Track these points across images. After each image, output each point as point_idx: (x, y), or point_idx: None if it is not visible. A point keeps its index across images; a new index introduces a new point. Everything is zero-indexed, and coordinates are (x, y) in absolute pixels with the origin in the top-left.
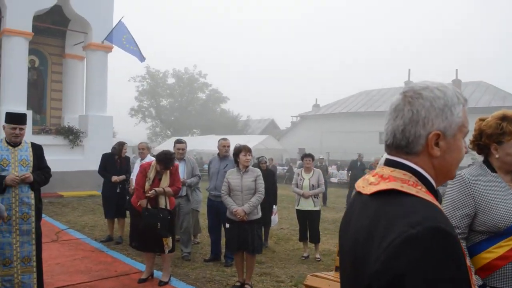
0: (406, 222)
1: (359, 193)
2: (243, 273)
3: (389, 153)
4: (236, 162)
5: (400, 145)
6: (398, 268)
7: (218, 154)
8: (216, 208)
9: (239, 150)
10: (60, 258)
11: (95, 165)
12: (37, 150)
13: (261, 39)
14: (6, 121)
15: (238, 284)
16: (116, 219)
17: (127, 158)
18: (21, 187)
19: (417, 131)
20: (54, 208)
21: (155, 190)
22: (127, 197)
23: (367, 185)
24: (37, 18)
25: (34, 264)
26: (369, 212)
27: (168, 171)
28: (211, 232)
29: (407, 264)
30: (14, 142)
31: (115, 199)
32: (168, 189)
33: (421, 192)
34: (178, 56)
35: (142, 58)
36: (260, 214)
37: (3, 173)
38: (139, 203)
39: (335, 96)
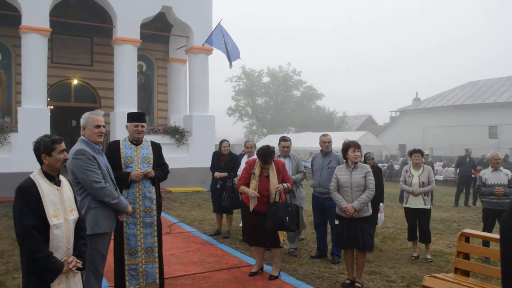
0: None
1: None
2: (353, 271)
3: None
4: (345, 158)
5: None
6: None
7: (321, 150)
8: (321, 205)
9: (348, 146)
10: (175, 249)
11: (199, 162)
12: (156, 148)
13: (356, 31)
14: (128, 120)
15: (347, 282)
16: (224, 214)
17: (232, 155)
18: (143, 182)
19: None
20: (165, 202)
21: (282, 185)
22: (224, 193)
23: None
24: (144, 26)
25: (156, 254)
26: None
27: (275, 168)
28: (317, 229)
29: None
30: (137, 140)
31: (219, 194)
32: (288, 185)
33: None
34: (273, 54)
35: (234, 58)
36: (370, 211)
37: (128, 170)
38: (278, 187)
39: (437, 89)
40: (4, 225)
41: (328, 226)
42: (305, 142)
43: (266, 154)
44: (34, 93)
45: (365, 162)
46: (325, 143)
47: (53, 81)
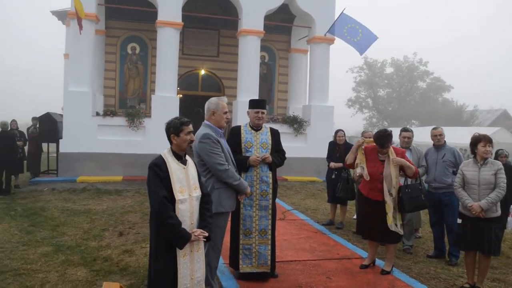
0: None
1: None
2: (473, 275)
3: None
4: (473, 153)
5: None
6: None
7: (433, 144)
8: (438, 201)
9: (477, 140)
10: (287, 235)
11: (316, 152)
12: (275, 135)
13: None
14: (250, 107)
15: (467, 286)
16: (338, 205)
17: (348, 146)
18: (261, 166)
19: None
20: (280, 190)
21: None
22: (339, 184)
23: None
24: (267, 17)
25: (269, 237)
26: None
27: (394, 154)
28: (434, 227)
29: None
30: (256, 126)
31: (334, 185)
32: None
33: None
34: (397, 43)
35: (363, 49)
36: (499, 212)
37: (247, 154)
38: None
39: None
40: (136, 200)
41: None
42: (429, 136)
43: (382, 137)
44: (166, 82)
45: (496, 159)
46: (436, 136)
47: (183, 71)
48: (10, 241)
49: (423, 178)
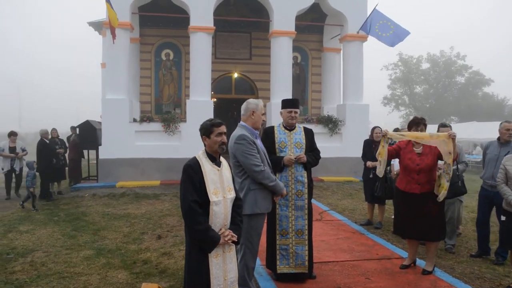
0: None
1: None
2: None
3: None
4: None
5: None
6: None
7: (498, 138)
8: (491, 199)
9: None
10: (325, 236)
11: (352, 152)
12: (309, 134)
13: None
14: (283, 107)
15: None
16: (376, 205)
17: None
18: (296, 166)
19: None
20: (316, 191)
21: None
22: (377, 183)
23: None
24: (298, 18)
25: (306, 237)
26: None
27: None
28: (479, 225)
29: None
30: (290, 125)
31: (371, 184)
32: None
33: None
34: (433, 38)
35: (394, 42)
36: None
37: (281, 154)
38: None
39: None
40: (173, 204)
41: (497, 224)
42: (470, 133)
43: (416, 120)
44: (200, 87)
45: None
46: (509, 131)
47: (216, 75)
48: (54, 245)
49: (463, 171)
